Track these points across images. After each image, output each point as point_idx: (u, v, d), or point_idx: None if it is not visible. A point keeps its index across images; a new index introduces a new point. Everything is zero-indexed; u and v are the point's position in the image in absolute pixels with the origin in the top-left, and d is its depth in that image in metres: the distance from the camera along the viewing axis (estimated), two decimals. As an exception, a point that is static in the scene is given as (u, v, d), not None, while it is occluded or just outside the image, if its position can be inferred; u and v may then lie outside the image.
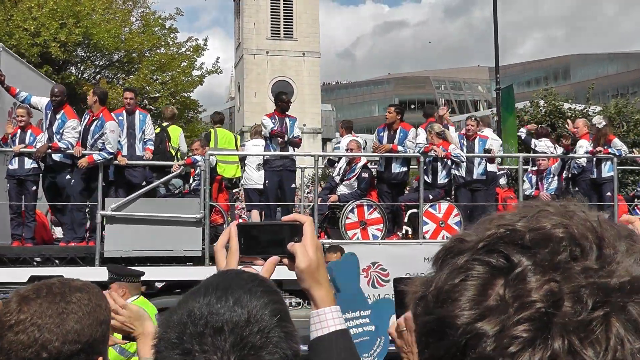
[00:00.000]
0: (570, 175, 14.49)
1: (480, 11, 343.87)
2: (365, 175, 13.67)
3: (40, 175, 12.35)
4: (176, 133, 14.27)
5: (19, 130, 12.37)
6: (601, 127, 13.91)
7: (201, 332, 1.25)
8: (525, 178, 14.67)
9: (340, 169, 14.09)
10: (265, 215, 13.56)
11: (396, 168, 13.53)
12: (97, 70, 33.32)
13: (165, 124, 14.37)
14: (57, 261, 11.73)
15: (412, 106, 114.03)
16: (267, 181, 13.44)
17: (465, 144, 13.79)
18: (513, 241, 0.89)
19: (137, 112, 13.19)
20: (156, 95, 32.28)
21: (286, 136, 13.21)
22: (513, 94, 20.81)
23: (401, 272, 12.07)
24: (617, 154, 13.52)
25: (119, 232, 11.76)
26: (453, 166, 13.36)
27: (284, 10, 70.43)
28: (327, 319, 1.76)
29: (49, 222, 14.21)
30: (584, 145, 14.18)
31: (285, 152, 13.39)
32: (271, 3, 70.07)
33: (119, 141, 12.39)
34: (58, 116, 12.09)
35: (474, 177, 13.49)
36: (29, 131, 12.42)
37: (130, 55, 31.97)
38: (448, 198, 13.64)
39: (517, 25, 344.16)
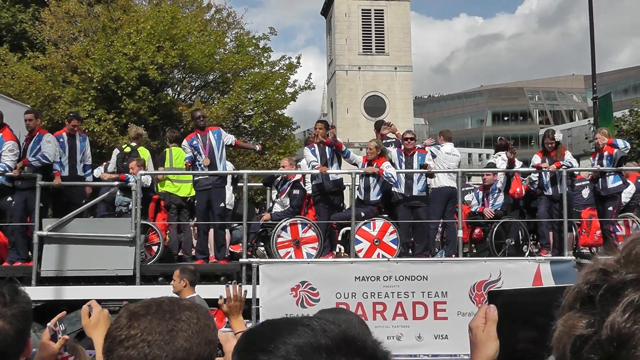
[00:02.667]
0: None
1: (576, 20, 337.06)
2: (296, 192, 13.34)
3: None
4: (146, 155, 14.17)
5: None
6: (560, 140, 13.59)
7: (341, 340, 1.34)
8: (473, 194, 14.30)
9: (278, 186, 13.86)
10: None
11: (333, 176, 13.14)
12: (193, 90, 34.07)
13: (133, 144, 14.32)
14: None
15: (506, 118, 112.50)
16: (196, 201, 13.23)
17: (403, 159, 13.38)
18: None
19: (77, 134, 13.50)
20: (250, 113, 32.79)
21: (206, 158, 12.92)
22: (611, 103, 20.37)
23: (331, 292, 11.94)
24: (569, 165, 13.10)
25: (55, 252, 11.96)
26: (394, 183, 12.96)
27: (375, 25, 70.51)
28: None
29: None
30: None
31: (218, 171, 13.12)
32: (362, 18, 70.27)
33: (60, 162, 12.77)
34: None
35: (414, 193, 13.11)
36: None
37: (225, 75, 32.56)
38: (386, 215, 13.28)
39: (614, 32, 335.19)
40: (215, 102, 32.42)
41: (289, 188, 13.39)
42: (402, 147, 13.65)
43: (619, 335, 0.84)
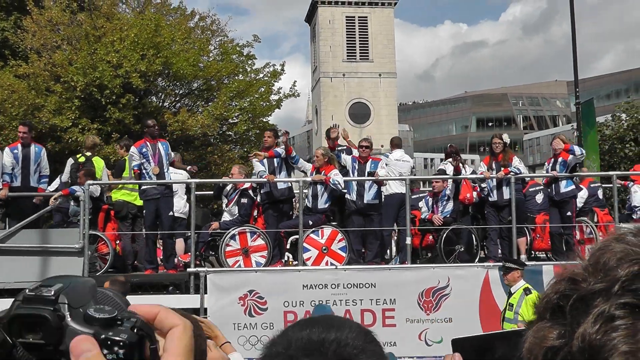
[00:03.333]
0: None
1: (559, 27, 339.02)
2: (244, 201, 13.33)
3: None
4: (100, 165, 14.08)
5: None
6: (507, 143, 13.72)
7: (306, 342, 1.36)
8: (423, 201, 14.38)
9: (228, 195, 13.85)
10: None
11: (281, 184, 13.09)
12: (177, 98, 34.01)
13: (88, 153, 14.24)
14: None
15: (490, 124, 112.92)
16: (144, 210, 13.10)
17: (357, 167, 13.39)
18: None
19: (32, 145, 13.43)
20: (235, 121, 32.77)
21: (155, 167, 12.79)
22: (594, 108, 20.48)
23: (279, 301, 11.94)
24: (517, 172, 13.18)
25: (3, 263, 11.88)
26: (341, 190, 13.00)
27: (359, 32, 70.68)
28: None
29: None
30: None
31: (167, 180, 13.08)
32: (346, 25, 70.43)
33: (12, 173, 12.83)
34: None
35: (365, 201, 13.13)
36: None
37: (209, 83, 32.54)
38: (335, 223, 13.31)
39: (597, 39, 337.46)
40: (201, 110, 32.38)
41: (237, 197, 13.38)
42: (357, 154, 13.71)
43: (590, 347, 0.84)
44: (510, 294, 10.48)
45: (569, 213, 13.53)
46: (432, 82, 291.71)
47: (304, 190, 13.42)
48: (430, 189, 14.97)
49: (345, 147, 14.55)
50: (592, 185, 15.62)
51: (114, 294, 1.04)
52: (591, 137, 19.65)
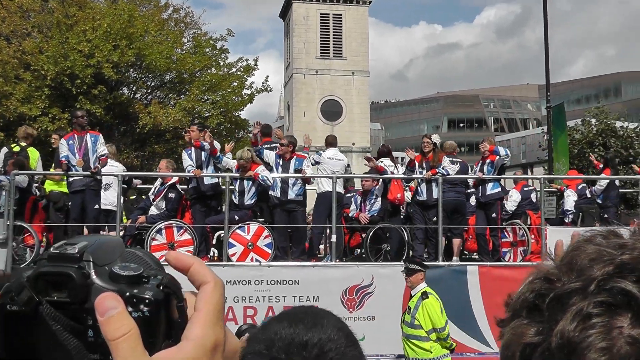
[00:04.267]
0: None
1: (532, 32, 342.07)
2: (171, 195, 13.32)
3: None
4: (35, 156, 13.91)
5: None
6: (437, 143, 13.81)
7: (288, 344, 1.37)
8: (352, 199, 14.50)
9: (155, 188, 13.84)
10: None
11: (207, 179, 13.17)
12: (149, 90, 33.81)
13: (23, 143, 14.06)
14: None
15: (461, 124, 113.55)
16: (70, 202, 13.00)
17: (280, 163, 13.43)
18: (626, 276, 0.88)
19: None
20: (207, 114, 32.62)
21: (80, 159, 12.68)
22: (564, 112, 20.62)
23: None
24: (445, 173, 13.27)
25: None
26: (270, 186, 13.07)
27: (333, 29, 70.67)
28: None
29: None
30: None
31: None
32: (321, 23, 70.37)
33: None
34: None
35: (289, 197, 13.18)
36: None
37: (182, 75, 32.39)
38: (262, 219, 13.37)
39: (568, 45, 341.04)
40: (173, 103, 32.20)
41: (165, 191, 13.35)
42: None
43: (569, 343, 0.86)
44: (410, 297, 10.18)
45: (494, 215, 13.71)
46: (405, 82, 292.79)
47: (230, 187, 13.33)
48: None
49: (275, 145, 14.38)
50: (525, 189, 15.93)
51: (144, 253, 1.02)
52: (561, 141, 19.79)
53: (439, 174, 13.19)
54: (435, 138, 13.96)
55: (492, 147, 13.76)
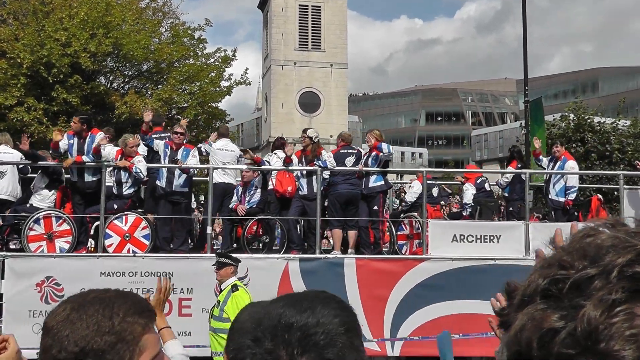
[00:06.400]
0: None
1: (512, 28, 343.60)
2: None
3: None
4: None
5: None
6: (312, 137, 13.86)
7: (274, 325, 1.37)
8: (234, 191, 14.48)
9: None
10: None
11: (88, 177, 13.09)
12: (126, 80, 33.56)
13: None
14: None
15: (439, 118, 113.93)
16: None
17: (168, 153, 13.49)
18: None
19: None
20: (184, 105, 32.44)
21: None
22: (542, 107, 20.64)
23: (76, 287, 11.95)
24: (323, 165, 13.34)
25: None
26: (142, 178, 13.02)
27: (312, 21, 70.53)
28: None
29: None
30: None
31: None
32: (299, 14, 70.21)
33: None
34: None
35: (174, 188, 13.23)
36: None
37: (159, 65, 32.17)
38: (141, 210, 13.36)
39: (546, 41, 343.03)
40: (150, 93, 31.97)
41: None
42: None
43: (595, 330, 0.87)
44: (220, 291, 10.09)
45: (375, 207, 13.71)
46: (385, 76, 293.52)
47: (108, 178, 13.14)
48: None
49: (166, 135, 14.39)
50: (478, 181, 16.43)
51: None
52: (539, 135, 19.78)
53: (316, 166, 13.29)
54: (312, 133, 13.98)
55: (377, 143, 13.75)
